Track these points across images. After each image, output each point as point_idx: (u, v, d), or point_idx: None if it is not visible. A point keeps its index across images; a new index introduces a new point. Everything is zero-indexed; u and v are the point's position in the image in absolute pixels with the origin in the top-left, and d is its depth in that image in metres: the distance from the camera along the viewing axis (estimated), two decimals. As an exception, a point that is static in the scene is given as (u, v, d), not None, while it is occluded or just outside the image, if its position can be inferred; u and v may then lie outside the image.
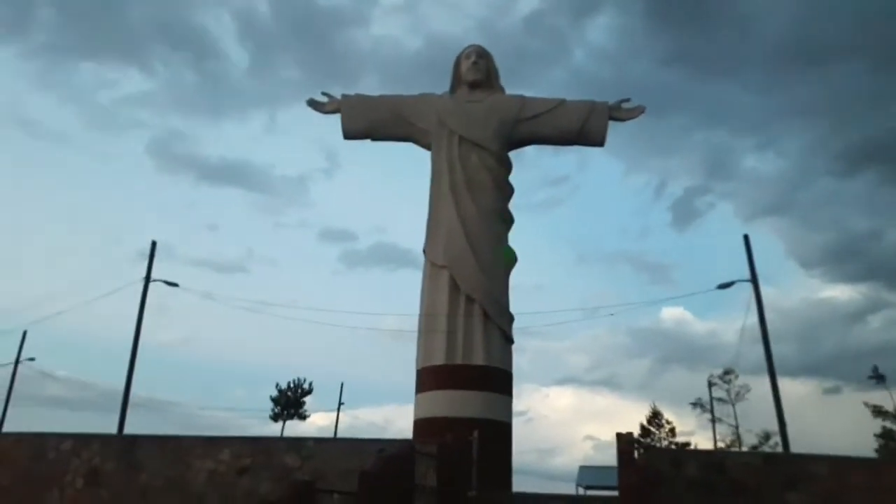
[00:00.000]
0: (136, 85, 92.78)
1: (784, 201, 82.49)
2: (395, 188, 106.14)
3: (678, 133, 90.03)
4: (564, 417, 75.44)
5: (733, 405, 37.15)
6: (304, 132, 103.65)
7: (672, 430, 39.98)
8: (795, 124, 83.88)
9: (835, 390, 57.89)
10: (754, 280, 20.27)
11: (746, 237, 21.66)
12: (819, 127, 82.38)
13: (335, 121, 16.54)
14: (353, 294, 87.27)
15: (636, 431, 39.16)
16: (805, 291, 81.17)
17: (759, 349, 19.69)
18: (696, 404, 39.56)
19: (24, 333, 36.78)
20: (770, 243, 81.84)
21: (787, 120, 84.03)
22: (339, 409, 46.59)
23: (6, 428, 33.67)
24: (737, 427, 36.58)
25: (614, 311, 42.29)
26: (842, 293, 76.21)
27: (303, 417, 45.60)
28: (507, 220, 15.31)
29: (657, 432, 39.59)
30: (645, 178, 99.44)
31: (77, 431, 12.84)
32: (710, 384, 38.18)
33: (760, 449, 32.66)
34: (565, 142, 16.29)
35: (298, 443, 11.07)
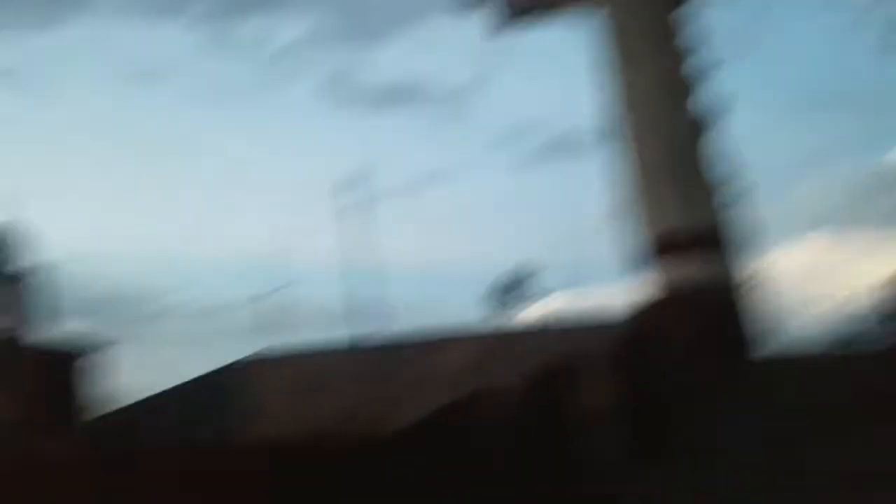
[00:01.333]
0: (291, 29, 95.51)
1: None
2: (561, 75, 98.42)
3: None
4: (795, 276, 67.28)
5: None
6: (459, 42, 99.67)
7: None
8: None
9: None
10: None
11: None
12: None
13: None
14: (546, 189, 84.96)
15: None
16: None
17: None
18: None
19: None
20: None
21: None
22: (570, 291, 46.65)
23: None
24: None
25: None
26: None
27: (529, 302, 46.53)
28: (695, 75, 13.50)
29: None
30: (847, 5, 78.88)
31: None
32: None
33: None
34: None
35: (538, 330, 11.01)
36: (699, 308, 9.05)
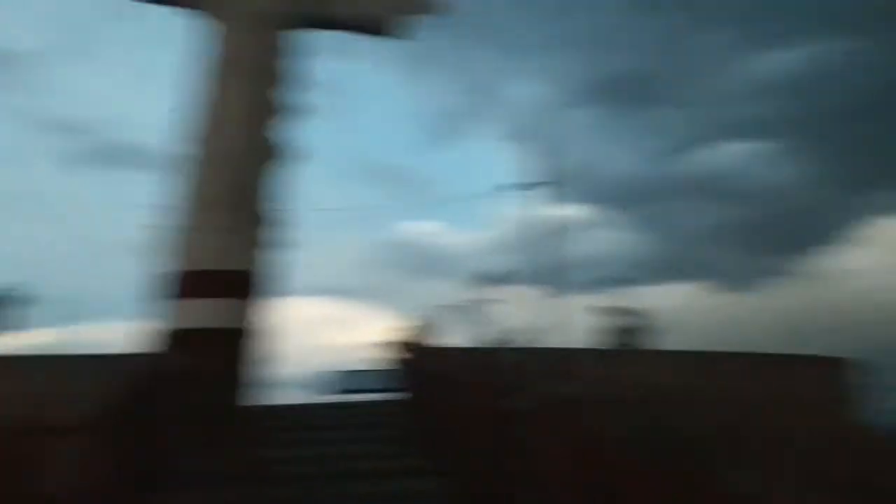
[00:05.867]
0: None
1: (531, 127, 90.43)
2: (142, 74, 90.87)
3: (449, 50, 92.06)
4: (305, 328, 75.62)
5: (479, 309, 40.45)
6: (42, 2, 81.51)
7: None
8: (555, 54, 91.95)
9: (554, 295, 67.07)
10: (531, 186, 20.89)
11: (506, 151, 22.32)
12: (573, 60, 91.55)
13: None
14: (77, 197, 74.11)
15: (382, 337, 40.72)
16: (535, 209, 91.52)
17: (498, 260, 20.95)
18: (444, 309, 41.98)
19: None
20: (510, 165, 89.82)
21: (551, 49, 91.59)
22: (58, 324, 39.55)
23: None
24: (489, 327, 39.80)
25: (385, 208, 43.16)
26: (563, 211, 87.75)
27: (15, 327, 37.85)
28: (279, 111, 13.76)
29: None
30: (412, 94, 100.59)
31: None
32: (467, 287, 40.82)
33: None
34: (363, 30, 14.59)
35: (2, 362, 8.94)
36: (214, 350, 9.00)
